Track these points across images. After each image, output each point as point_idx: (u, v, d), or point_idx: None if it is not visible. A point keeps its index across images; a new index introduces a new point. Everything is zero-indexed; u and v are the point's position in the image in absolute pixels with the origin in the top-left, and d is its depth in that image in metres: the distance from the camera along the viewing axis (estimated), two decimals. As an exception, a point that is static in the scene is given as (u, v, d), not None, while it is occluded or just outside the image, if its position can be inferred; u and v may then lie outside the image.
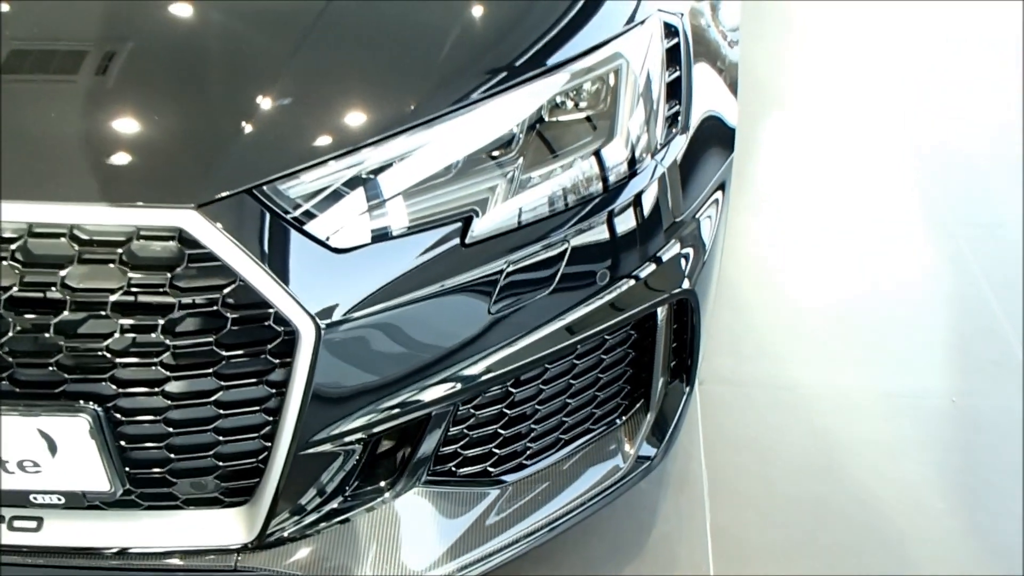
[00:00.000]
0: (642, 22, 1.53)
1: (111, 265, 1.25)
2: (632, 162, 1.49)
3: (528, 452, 1.64)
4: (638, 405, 1.75)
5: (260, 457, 1.41)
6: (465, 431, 1.55)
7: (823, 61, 3.81)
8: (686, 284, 1.59)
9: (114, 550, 1.47)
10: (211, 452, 1.39)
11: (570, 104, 1.47)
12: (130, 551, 1.47)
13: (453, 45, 1.42)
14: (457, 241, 1.36)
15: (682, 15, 1.63)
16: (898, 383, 2.36)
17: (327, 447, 1.40)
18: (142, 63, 1.36)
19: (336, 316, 1.30)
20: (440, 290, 1.36)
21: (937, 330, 2.53)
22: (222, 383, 1.32)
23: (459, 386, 1.42)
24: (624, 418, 1.74)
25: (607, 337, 1.59)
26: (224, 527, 1.48)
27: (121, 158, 1.26)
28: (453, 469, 1.59)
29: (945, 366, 2.41)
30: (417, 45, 1.42)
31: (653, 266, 1.53)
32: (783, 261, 2.78)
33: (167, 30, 1.41)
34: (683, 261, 1.59)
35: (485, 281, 1.38)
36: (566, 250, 1.43)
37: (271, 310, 1.28)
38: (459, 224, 1.37)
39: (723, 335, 2.48)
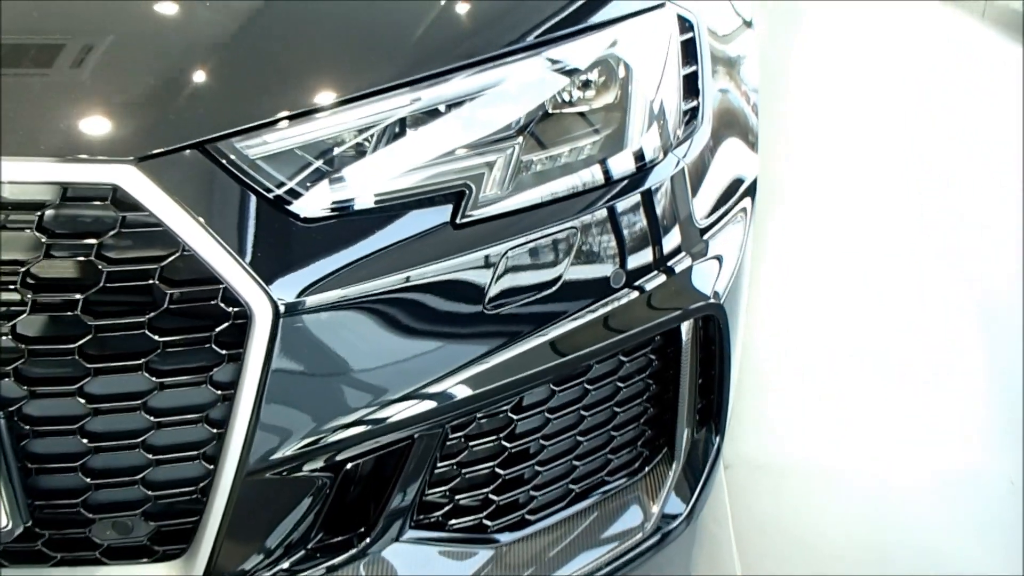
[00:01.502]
0: (652, 8, 1.35)
1: (27, 231, 1.02)
2: (647, 154, 1.28)
3: (532, 503, 1.36)
4: (661, 455, 1.47)
5: (201, 485, 1.13)
6: (456, 468, 1.28)
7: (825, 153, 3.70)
8: (712, 297, 1.35)
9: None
10: (139, 477, 1.11)
11: (577, 94, 1.27)
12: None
13: (445, 8, 1.24)
14: (446, 219, 1.14)
15: (697, 18, 1.47)
16: (949, 462, 2.08)
17: (284, 474, 1.13)
18: (87, 8, 1.16)
19: (298, 297, 1.06)
20: (425, 276, 1.12)
21: (987, 405, 2.27)
22: (155, 380, 1.06)
23: (448, 399, 1.16)
24: (645, 470, 1.46)
25: (623, 359, 1.34)
26: (154, 586, 1.18)
27: (49, 107, 1.05)
28: (442, 520, 1.31)
29: (1000, 444, 2.14)
30: (403, 9, 1.24)
31: (673, 271, 1.30)
32: (810, 332, 2.54)
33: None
34: (708, 270, 1.36)
35: (479, 270, 1.15)
36: (572, 243, 1.21)
37: (220, 286, 1.04)
38: (448, 201, 1.15)
39: (748, 412, 2.22)
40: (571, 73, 1.23)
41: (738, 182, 1.47)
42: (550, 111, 1.24)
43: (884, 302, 2.69)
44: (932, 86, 4.22)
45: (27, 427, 1.07)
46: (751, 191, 1.51)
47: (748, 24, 1.81)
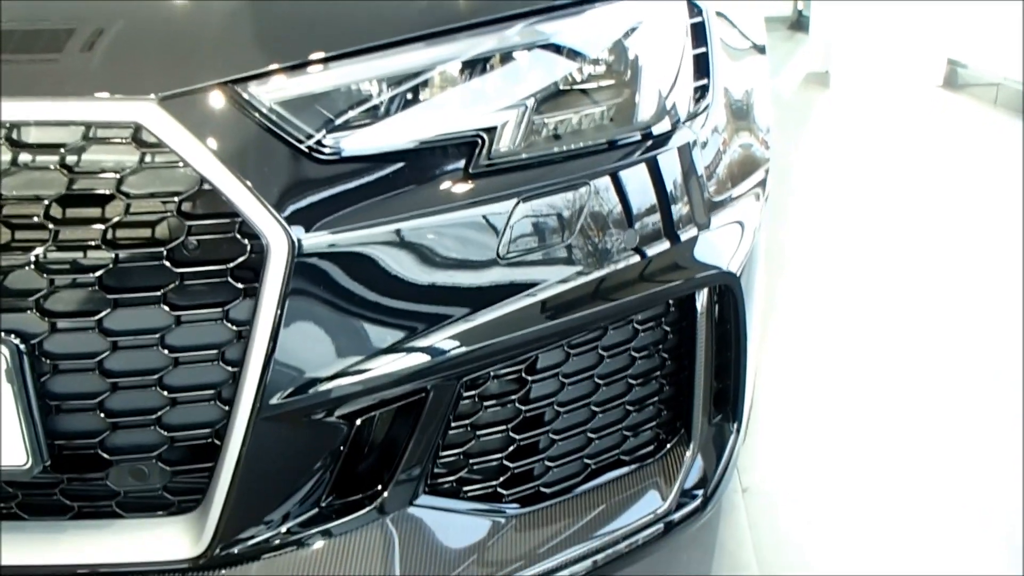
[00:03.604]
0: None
1: (51, 169, 1.06)
2: (658, 125, 1.32)
3: (547, 475, 1.35)
4: (677, 438, 1.46)
5: (216, 428, 1.14)
6: (470, 430, 1.28)
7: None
8: (727, 266, 1.36)
9: (23, 569, 1.17)
10: (155, 418, 1.13)
11: (588, 69, 1.32)
12: (38, 569, 1.17)
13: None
14: (461, 166, 1.17)
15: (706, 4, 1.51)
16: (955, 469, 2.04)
17: (299, 419, 1.13)
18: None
19: (314, 232, 1.08)
20: (440, 221, 1.15)
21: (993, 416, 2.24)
22: (173, 314, 1.09)
23: (463, 347, 1.17)
24: (662, 452, 1.45)
25: (638, 327, 1.35)
26: (167, 539, 1.18)
27: (73, 47, 1.10)
28: (456, 487, 1.30)
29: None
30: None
31: (680, 239, 1.32)
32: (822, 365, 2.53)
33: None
34: (720, 243, 1.37)
35: (491, 218, 1.17)
36: (583, 203, 1.23)
37: (237, 220, 1.07)
38: (462, 151, 1.18)
39: (764, 437, 2.21)
40: (583, 52, 1.27)
41: (750, 165, 1.50)
42: (561, 87, 1.28)
43: (896, 324, 2.68)
44: (944, 172, 4.25)
45: (47, 363, 1.09)
46: (763, 174, 1.53)
47: (760, 49, 1.84)
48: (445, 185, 1.16)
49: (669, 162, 1.31)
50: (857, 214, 3.76)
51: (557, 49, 1.25)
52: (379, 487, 1.24)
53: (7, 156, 1.06)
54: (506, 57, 1.21)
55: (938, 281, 3.11)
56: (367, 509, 1.24)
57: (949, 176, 4.21)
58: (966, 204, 3.85)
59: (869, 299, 2.99)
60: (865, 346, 2.67)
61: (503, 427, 1.29)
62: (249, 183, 1.06)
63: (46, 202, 1.05)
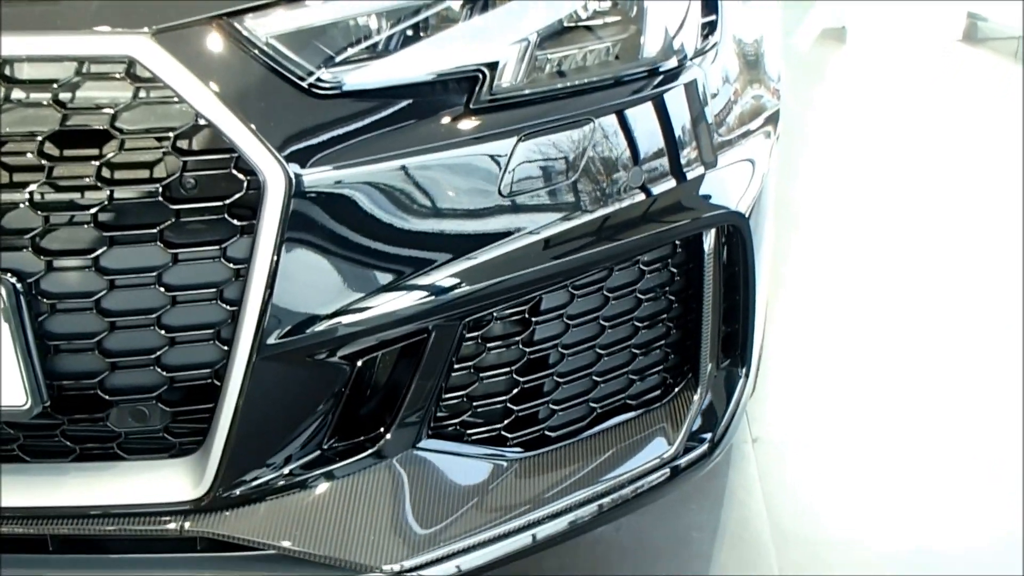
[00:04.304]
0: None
1: (44, 105, 1.04)
2: (664, 61, 1.28)
3: (552, 419, 1.34)
4: (685, 382, 1.45)
5: (215, 369, 1.13)
6: (474, 372, 1.26)
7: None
8: (736, 207, 1.34)
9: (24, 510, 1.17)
10: (154, 358, 1.12)
11: (593, 5, 1.28)
12: (40, 511, 1.16)
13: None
14: (462, 101, 1.15)
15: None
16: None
17: (299, 359, 1.12)
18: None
19: (311, 168, 1.06)
20: (440, 157, 1.12)
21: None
22: (170, 252, 1.07)
23: (464, 286, 1.15)
24: (669, 396, 1.43)
25: (644, 268, 1.33)
26: (168, 481, 1.18)
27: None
28: (460, 430, 1.29)
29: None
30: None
31: (696, 172, 1.29)
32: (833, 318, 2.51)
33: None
34: (726, 182, 1.34)
35: (492, 154, 1.15)
36: (587, 140, 1.20)
37: (233, 155, 1.05)
38: (463, 86, 1.15)
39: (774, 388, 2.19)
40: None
41: (759, 107, 1.47)
42: (566, 24, 1.25)
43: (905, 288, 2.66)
44: (963, 126, 4.18)
45: (44, 302, 1.08)
46: (773, 119, 1.50)
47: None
48: (446, 121, 1.13)
49: (675, 99, 1.29)
50: (873, 169, 3.71)
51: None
52: (381, 430, 1.22)
53: (1, 93, 1.04)
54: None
55: (954, 233, 3.07)
56: (369, 452, 1.23)
57: (967, 130, 4.15)
58: (983, 157, 3.79)
59: (883, 253, 2.95)
60: (877, 300, 2.64)
61: (507, 370, 1.28)
62: (245, 118, 1.04)
63: (39, 139, 1.04)
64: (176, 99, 1.04)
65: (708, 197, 1.32)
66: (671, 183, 1.27)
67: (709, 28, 1.38)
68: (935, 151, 3.91)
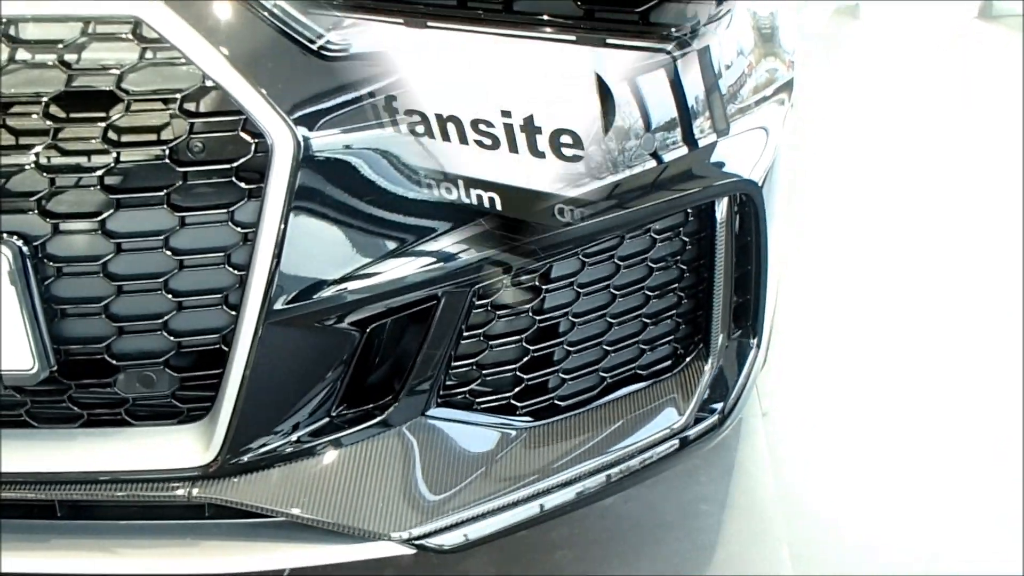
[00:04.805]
0: None
1: (49, 66, 1.03)
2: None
3: (562, 388, 1.33)
4: (696, 352, 1.43)
5: (223, 334, 1.12)
6: (484, 340, 1.25)
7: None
8: (749, 175, 1.32)
9: (33, 475, 1.16)
10: (161, 322, 1.11)
11: None
12: (48, 476, 1.16)
13: None
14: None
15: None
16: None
17: (307, 324, 1.11)
18: None
19: (319, 131, 1.05)
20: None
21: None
22: (177, 215, 1.06)
23: (475, 251, 1.14)
24: (680, 366, 1.42)
25: (656, 237, 1.31)
26: (177, 447, 1.17)
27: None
28: (470, 399, 1.28)
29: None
30: None
31: (708, 139, 1.27)
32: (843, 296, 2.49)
33: None
34: (739, 150, 1.32)
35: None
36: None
37: (241, 117, 1.04)
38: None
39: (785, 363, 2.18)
40: None
41: (773, 76, 1.44)
42: None
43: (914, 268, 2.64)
44: (976, 102, 4.14)
45: (51, 265, 1.07)
46: (787, 87, 1.48)
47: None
48: (454, 84, 1.12)
49: (688, 65, 1.26)
50: (884, 145, 3.68)
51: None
52: (390, 398, 1.22)
53: (5, 53, 1.03)
54: None
55: (966, 207, 3.04)
56: (378, 419, 1.22)
57: (980, 106, 4.11)
58: (995, 131, 3.75)
59: (896, 227, 2.93)
60: (890, 274, 2.63)
61: (517, 338, 1.27)
62: (254, 80, 1.03)
63: (45, 100, 1.03)
64: (183, 60, 1.03)
65: (721, 165, 1.30)
66: (683, 150, 1.25)
67: (720, -6, 1.35)
68: (946, 125, 3.88)
